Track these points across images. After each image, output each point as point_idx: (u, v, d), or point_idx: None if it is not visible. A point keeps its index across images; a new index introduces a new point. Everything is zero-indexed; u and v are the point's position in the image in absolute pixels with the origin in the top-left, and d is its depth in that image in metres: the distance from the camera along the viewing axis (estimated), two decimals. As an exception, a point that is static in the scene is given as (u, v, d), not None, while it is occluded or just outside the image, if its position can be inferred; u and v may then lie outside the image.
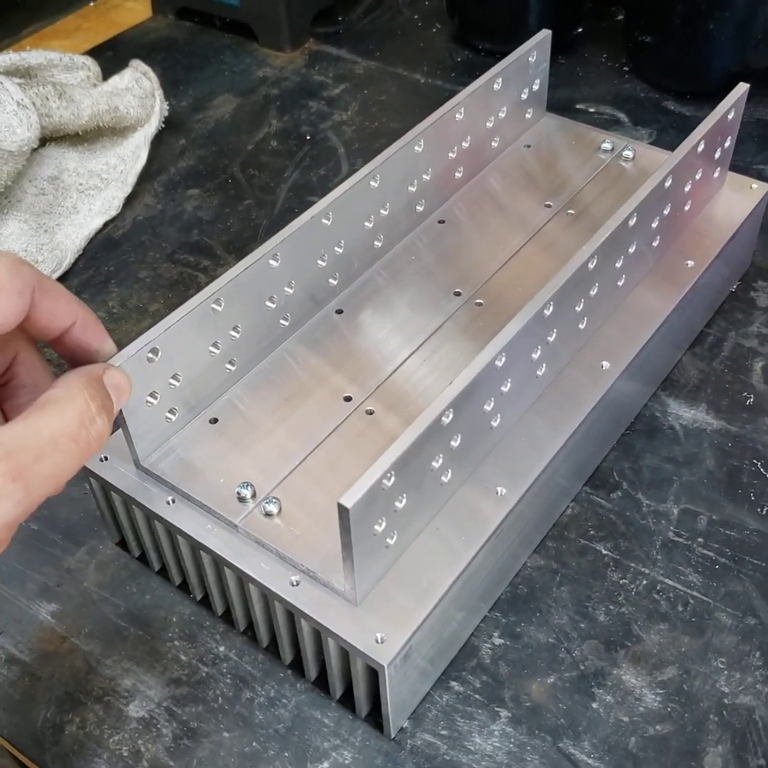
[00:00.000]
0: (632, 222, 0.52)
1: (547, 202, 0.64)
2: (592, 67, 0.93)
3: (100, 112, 0.80)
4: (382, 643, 0.42)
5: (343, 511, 0.39)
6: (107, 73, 0.85)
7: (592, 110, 0.87)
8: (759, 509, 0.55)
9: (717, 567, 0.52)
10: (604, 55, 0.94)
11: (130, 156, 0.82)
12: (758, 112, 0.85)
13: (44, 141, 0.81)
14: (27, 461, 0.32)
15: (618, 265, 0.54)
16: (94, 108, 0.80)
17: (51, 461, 0.32)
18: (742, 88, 0.60)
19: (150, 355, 0.46)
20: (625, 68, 0.92)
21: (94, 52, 0.97)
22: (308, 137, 0.85)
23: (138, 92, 0.84)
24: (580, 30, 0.96)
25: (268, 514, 0.47)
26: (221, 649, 0.50)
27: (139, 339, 0.45)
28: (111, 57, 0.96)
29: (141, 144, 0.82)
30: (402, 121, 0.85)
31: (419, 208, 0.62)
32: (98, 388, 0.36)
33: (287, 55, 0.97)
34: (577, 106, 0.87)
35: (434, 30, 1.00)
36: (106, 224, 0.77)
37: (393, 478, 0.41)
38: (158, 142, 0.85)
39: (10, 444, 0.32)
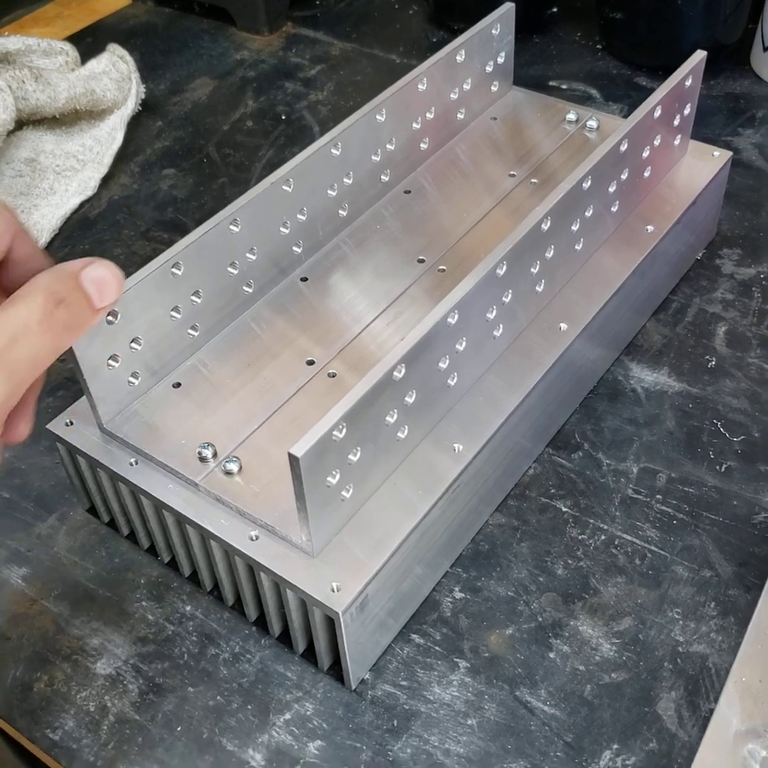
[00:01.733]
0: (587, 184, 0.53)
1: (511, 172, 0.65)
2: (566, 45, 0.93)
3: (76, 95, 0.81)
4: (337, 591, 0.43)
5: (294, 460, 0.40)
6: (86, 58, 0.86)
7: (564, 87, 0.87)
8: (718, 466, 0.55)
9: (675, 522, 0.53)
10: (578, 34, 0.95)
11: (106, 137, 0.83)
12: (728, 86, 0.85)
13: (21, 124, 0.83)
14: (2, 345, 0.33)
15: (574, 228, 0.54)
16: (71, 91, 0.81)
17: (25, 344, 0.34)
18: (699, 55, 0.61)
19: (109, 317, 0.47)
20: (598, 46, 0.93)
21: (74, 39, 0.98)
22: (284, 117, 0.86)
23: (115, 75, 0.85)
24: (554, 9, 0.97)
25: (228, 473, 0.48)
26: (187, 608, 0.51)
27: (98, 301, 0.46)
28: (90, 43, 0.97)
29: (117, 126, 0.83)
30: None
31: (385, 178, 0.63)
32: (64, 281, 0.36)
33: (265, 38, 0.98)
34: (550, 83, 0.88)
35: (411, 12, 1.01)
36: (82, 204, 0.78)
37: (345, 430, 0.42)
38: (136, 124, 0.86)
39: None
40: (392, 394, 0.44)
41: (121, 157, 0.82)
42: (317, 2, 1.03)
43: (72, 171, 0.80)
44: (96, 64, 0.85)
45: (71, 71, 0.86)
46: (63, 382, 0.63)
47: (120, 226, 0.76)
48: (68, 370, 0.63)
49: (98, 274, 0.37)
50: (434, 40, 0.96)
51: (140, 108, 0.86)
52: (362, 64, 0.93)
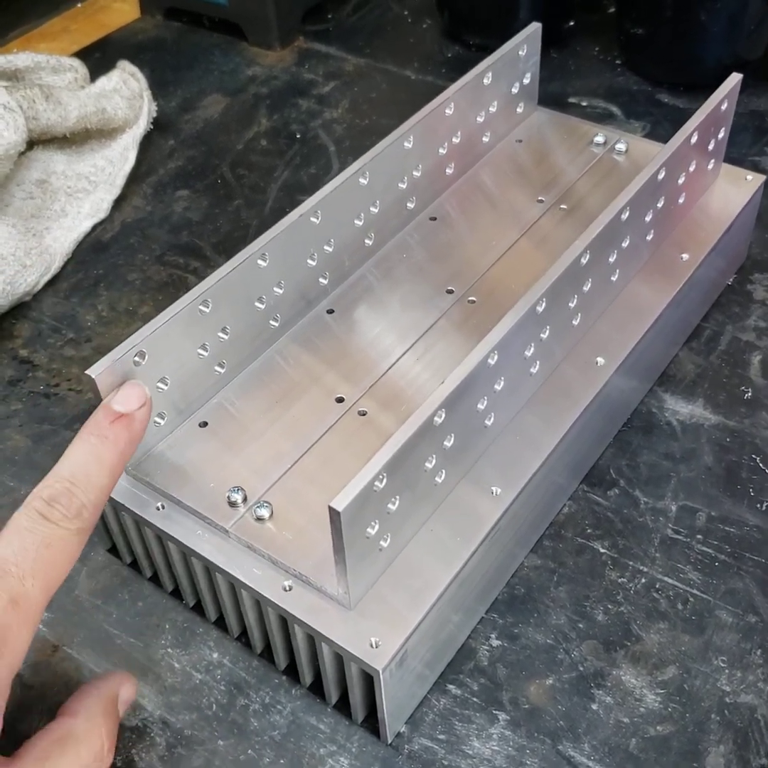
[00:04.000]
0: (625, 216, 0.52)
1: (539, 198, 0.63)
2: (584, 60, 0.92)
3: (87, 113, 0.79)
4: (376, 647, 0.41)
5: (334, 514, 0.38)
6: (95, 74, 0.84)
7: (584, 104, 0.86)
8: (758, 505, 0.54)
9: (716, 564, 0.51)
10: (596, 49, 0.93)
11: (119, 158, 0.81)
12: (752, 103, 0.84)
13: (31, 144, 0.81)
14: None
15: (611, 259, 0.53)
16: (82, 110, 0.79)
17: None
18: (734, 78, 0.60)
19: (136, 358, 0.45)
20: (617, 61, 0.91)
21: (82, 54, 0.96)
22: (298, 136, 0.85)
23: (126, 93, 0.83)
24: (571, 23, 0.95)
25: (259, 519, 0.46)
26: (215, 655, 0.49)
27: (124, 343, 0.45)
28: (99, 58, 0.95)
29: (129, 145, 0.82)
30: (393, 117, 0.85)
31: (410, 205, 0.61)
32: (113, 715, 0.41)
33: (277, 53, 0.96)
34: (570, 100, 0.86)
35: (424, 25, 0.99)
36: (94, 227, 0.76)
37: (385, 480, 0.40)
38: (147, 143, 0.84)
39: None
40: (431, 440, 0.43)
41: (133, 178, 0.81)
42: (329, 16, 1.02)
43: (84, 192, 0.78)
44: (106, 81, 0.83)
45: (81, 89, 0.84)
46: (80, 415, 0.61)
47: (134, 250, 0.74)
48: (85, 401, 0.62)
49: (129, 695, 0.44)
50: (449, 55, 0.94)
51: (151, 126, 0.84)
52: (376, 79, 0.92)
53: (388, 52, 0.95)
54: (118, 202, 0.78)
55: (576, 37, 0.95)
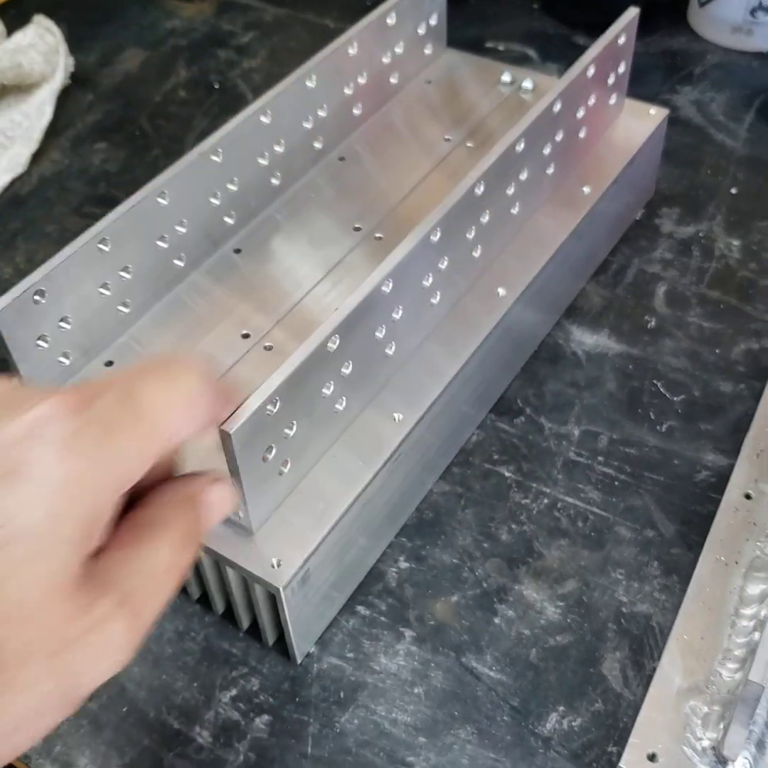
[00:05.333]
0: (520, 147, 0.53)
1: (446, 136, 0.64)
2: (502, 5, 0.92)
3: (2, 69, 0.79)
4: (278, 566, 0.43)
5: (225, 436, 0.39)
6: (12, 31, 0.83)
7: (501, 48, 0.87)
8: (658, 427, 0.56)
9: (616, 483, 0.53)
10: (514, -6, 0.94)
11: (35, 112, 0.80)
12: (664, 43, 0.85)
13: (-54, 100, 0.80)
14: (141, 607, 0.29)
15: (510, 192, 0.54)
16: (-3, 65, 0.79)
17: (159, 600, 0.30)
18: (631, 12, 0.61)
19: (36, 297, 0.46)
20: (534, 5, 0.92)
21: (-1, 11, 0.95)
22: (217, 86, 0.85)
23: (42, 48, 0.82)
24: (490, -30, 0.96)
25: (165, 451, 0.47)
26: (130, 588, 0.50)
27: (23, 281, 0.45)
28: (15, 15, 0.94)
29: (46, 100, 0.81)
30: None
31: (318, 145, 0.62)
32: (194, 512, 0.33)
33: (195, 6, 0.96)
34: (487, 45, 0.87)
35: (344, -25, 0.99)
36: (12, 182, 0.76)
37: (279, 404, 0.41)
38: (65, 97, 0.84)
39: (124, 588, 0.29)
40: (328, 366, 0.44)
41: (51, 132, 0.80)
42: (249, -33, 1.01)
43: (1, 148, 0.78)
44: (22, 36, 0.83)
45: (-3, 44, 0.84)
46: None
47: (52, 202, 0.74)
48: None
49: (217, 496, 0.33)
50: (368, 3, 0.94)
51: (69, 81, 0.84)
52: (295, 30, 0.92)
53: (308, 3, 0.95)
54: (36, 157, 0.78)
55: (494, -17, 0.95)
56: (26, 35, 0.83)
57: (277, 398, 0.41)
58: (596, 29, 0.86)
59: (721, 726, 0.40)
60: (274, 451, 0.42)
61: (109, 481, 0.28)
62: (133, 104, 0.84)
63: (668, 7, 0.87)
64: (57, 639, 0.26)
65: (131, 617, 0.29)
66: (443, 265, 0.50)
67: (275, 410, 0.41)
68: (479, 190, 0.50)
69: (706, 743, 0.40)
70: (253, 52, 0.89)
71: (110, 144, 0.79)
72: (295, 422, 0.43)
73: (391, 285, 0.46)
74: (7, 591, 0.25)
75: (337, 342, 0.43)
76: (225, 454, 0.40)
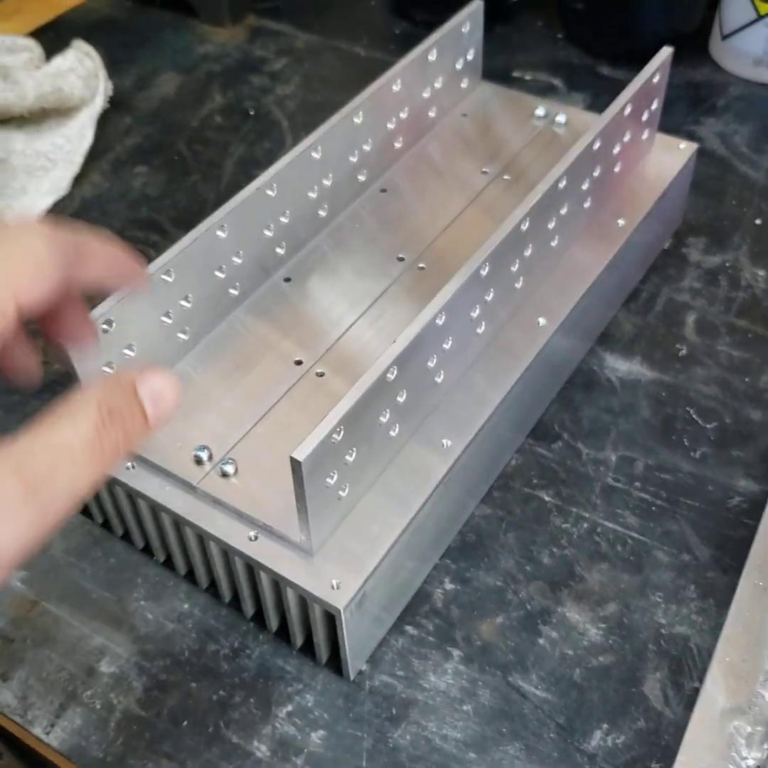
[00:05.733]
0: (562, 184, 0.55)
1: (484, 169, 0.66)
2: (528, 34, 0.95)
3: (44, 93, 0.81)
4: (337, 588, 0.45)
5: (295, 464, 0.41)
6: (49, 54, 0.86)
7: (528, 77, 0.89)
8: (692, 453, 0.58)
9: (653, 508, 0.55)
10: (539, 23, 0.96)
11: (76, 136, 0.83)
12: (687, 75, 0.87)
13: (-11, 123, 0.82)
14: (41, 475, 0.29)
15: (551, 226, 0.56)
16: (39, 89, 0.81)
17: (66, 472, 0.29)
18: (665, 51, 0.63)
19: (105, 326, 0.48)
20: (559, 35, 0.94)
21: (36, 34, 0.98)
22: (252, 112, 0.87)
23: (81, 72, 0.85)
24: (515, -1, 0.98)
25: (224, 475, 0.49)
26: (185, 606, 0.52)
27: (95, 310, 0.47)
28: (53, 38, 0.96)
29: (87, 123, 0.83)
30: (343, 93, 0.86)
31: (361, 178, 0.64)
32: (119, 395, 0.32)
33: (228, 31, 0.98)
34: (514, 74, 0.89)
35: (372, 3, 1.01)
36: (55, 205, 0.78)
37: (342, 432, 0.43)
38: (104, 121, 0.86)
39: (21, 457, 0.28)
40: (386, 395, 0.46)
41: (92, 156, 0.82)
42: (279, -7, 1.04)
43: (43, 171, 0.80)
44: (62, 61, 0.85)
45: (36, 68, 0.86)
46: (49, 385, 0.63)
47: (95, 225, 0.76)
48: (53, 372, 0.64)
49: (156, 386, 0.33)
50: (397, 31, 0.97)
51: (108, 105, 0.86)
52: (327, 56, 0.94)
53: (338, 30, 0.98)
54: (78, 180, 0.80)
55: (520, 12, 0.97)
56: (66, 59, 0.85)
57: (342, 427, 0.43)
58: (620, 60, 0.90)
59: (765, 746, 0.42)
60: (335, 476, 0.44)
61: None
62: (170, 129, 0.86)
63: (691, 39, 0.89)
64: None
65: (25, 486, 0.28)
66: (489, 297, 0.52)
67: (339, 438, 0.43)
68: (525, 225, 0.52)
69: (751, 762, 0.42)
70: (286, 79, 0.91)
71: (150, 168, 0.81)
72: (355, 449, 0.45)
73: (444, 317, 0.48)
74: None
75: (395, 372, 0.45)
76: (293, 479, 0.42)
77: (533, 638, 0.50)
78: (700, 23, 0.89)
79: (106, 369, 0.49)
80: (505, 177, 0.66)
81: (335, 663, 0.49)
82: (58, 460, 0.29)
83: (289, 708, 0.48)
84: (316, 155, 0.58)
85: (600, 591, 0.52)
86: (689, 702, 0.47)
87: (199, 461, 0.49)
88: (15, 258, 0.33)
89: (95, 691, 0.49)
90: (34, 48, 0.88)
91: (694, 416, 0.60)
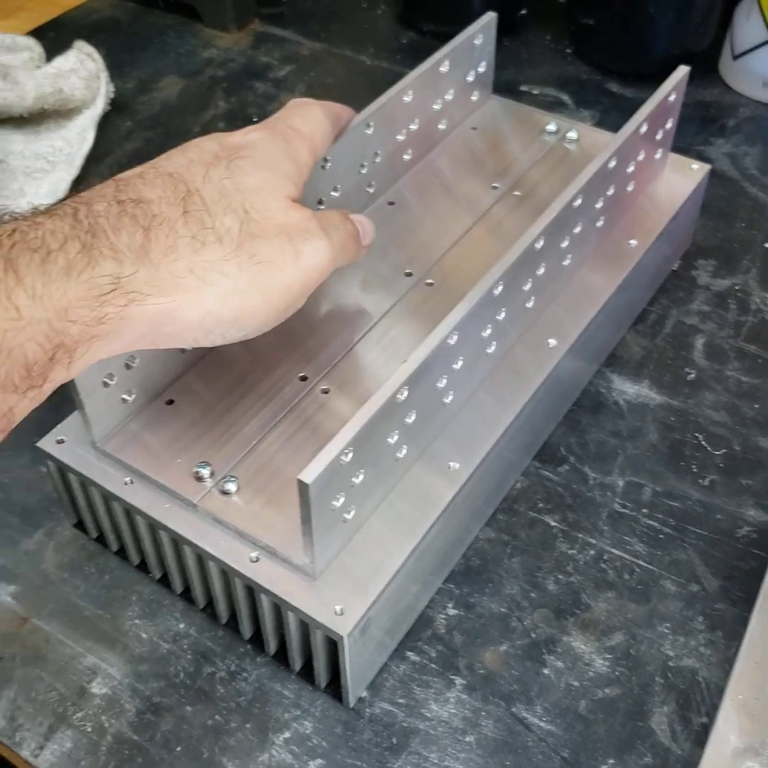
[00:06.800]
0: (577, 203, 0.54)
1: (493, 184, 0.65)
2: (536, 49, 0.94)
3: (44, 94, 0.80)
4: (341, 614, 0.43)
5: (303, 487, 0.40)
6: (50, 54, 0.84)
7: (536, 92, 0.88)
8: (700, 480, 0.57)
9: (661, 536, 0.54)
10: (548, 37, 0.95)
11: (77, 138, 0.81)
12: (698, 95, 0.86)
13: (-12, 123, 0.81)
14: (336, 240, 0.47)
15: (564, 245, 0.55)
16: (39, 90, 0.80)
17: (348, 251, 0.50)
18: (682, 70, 0.62)
19: (107, 337, 0.46)
20: (568, 50, 0.93)
21: (36, 33, 0.96)
22: (255, 119, 0.86)
23: (83, 74, 0.83)
24: (524, 12, 0.97)
25: (226, 493, 0.47)
26: (181, 626, 0.51)
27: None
28: (54, 38, 0.95)
29: (87, 126, 0.82)
30: (349, 102, 0.84)
31: (370, 190, 0.63)
32: (335, 215, 0.50)
33: (232, 36, 0.97)
34: (522, 88, 0.88)
35: (379, 11, 1.00)
36: (53, 207, 0.77)
37: (351, 454, 0.42)
38: (104, 123, 0.85)
39: (327, 226, 0.46)
40: (394, 416, 0.45)
41: (92, 159, 0.81)
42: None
43: (42, 173, 0.79)
44: (63, 61, 0.84)
45: (37, 68, 0.84)
46: (43, 393, 0.62)
47: (94, 230, 0.75)
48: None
49: (360, 218, 0.52)
50: (403, 41, 0.96)
51: (109, 107, 0.85)
52: (332, 64, 0.93)
53: (344, 38, 0.97)
54: (77, 183, 0.79)
55: (528, 26, 0.97)
56: (67, 60, 0.84)
57: (351, 449, 0.41)
58: (628, 77, 0.89)
59: (779, 788, 0.41)
60: (342, 499, 0.43)
61: (296, 154, 0.47)
62: (172, 134, 0.84)
63: (701, 59, 0.88)
64: (283, 221, 0.44)
65: (330, 242, 0.45)
66: (501, 316, 0.51)
67: (348, 459, 0.42)
68: (539, 244, 0.51)
69: (764, 805, 0.41)
70: (291, 86, 0.90)
71: (151, 173, 0.80)
72: (362, 471, 0.44)
73: (456, 337, 0.47)
74: (249, 179, 0.44)
75: (406, 393, 0.44)
76: (300, 502, 0.41)
77: (538, 668, 0.49)
78: (711, 43, 0.88)
79: (107, 380, 0.48)
80: (515, 193, 0.65)
81: (334, 688, 0.48)
82: (344, 239, 0.49)
83: (287, 734, 0.47)
84: (326, 165, 0.57)
85: (606, 620, 0.51)
86: (697, 738, 0.46)
87: (200, 478, 0.48)
88: (313, 127, 0.50)
89: (86, 712, 0.47)
90: (35, 47, 0.87)
91: (702, 442, 0.59)
